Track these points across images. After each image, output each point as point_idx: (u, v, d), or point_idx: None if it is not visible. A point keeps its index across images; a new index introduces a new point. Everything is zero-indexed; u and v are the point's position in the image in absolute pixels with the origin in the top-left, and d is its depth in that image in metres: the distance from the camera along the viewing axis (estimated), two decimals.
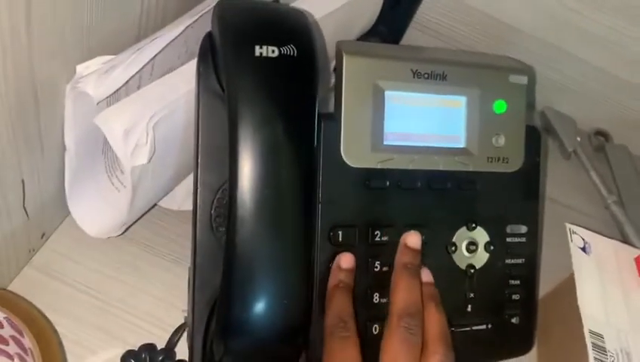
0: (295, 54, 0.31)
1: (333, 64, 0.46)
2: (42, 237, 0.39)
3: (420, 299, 0.33)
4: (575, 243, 0.41)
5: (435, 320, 0.33)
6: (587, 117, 0.63)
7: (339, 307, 0.33)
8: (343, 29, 0.49)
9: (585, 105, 0.63)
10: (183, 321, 0.37)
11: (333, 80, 0.45)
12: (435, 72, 0.37)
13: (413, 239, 0.35)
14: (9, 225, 0.34)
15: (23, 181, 0.33)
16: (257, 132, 0.30)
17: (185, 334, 0.36)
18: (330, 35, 0.45)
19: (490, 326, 0.39)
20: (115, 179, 0.39)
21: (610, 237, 0.44)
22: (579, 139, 0.61)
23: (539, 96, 0.62)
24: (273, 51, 0.31)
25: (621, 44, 0.57)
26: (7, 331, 0.32)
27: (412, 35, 0.60)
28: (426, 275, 0.36)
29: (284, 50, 0.31)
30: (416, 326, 0.32)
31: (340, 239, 0.36)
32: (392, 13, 0.56)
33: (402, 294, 0.33)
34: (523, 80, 0.40)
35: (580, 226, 0.42)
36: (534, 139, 0.40)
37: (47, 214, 0.38)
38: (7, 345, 0.33)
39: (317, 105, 0.32)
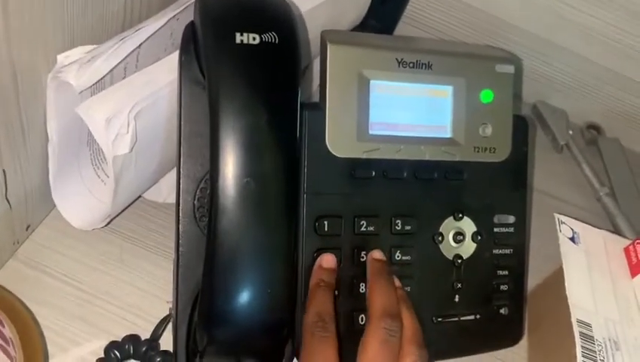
0: (277, 41, 0.31)
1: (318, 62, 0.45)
2: (27, 229, 0.39)
3: (396, 301, 0.33)
4: (564, 233, 0.41)
5: (408, 322, 0.33)
6: (579, 110, 0.63)
7: (319, 306, 0.33)
8: (332, 23, 0.49)
9: (577, 99, 0.63)
10: (167, 313, 0.36)
11: (317, 80, 0.45)
12: (421, 61, 0.37)
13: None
14: None
15: (3, 171, 0.33)
16: (238, 120, 0.30)
17: (170, 325, 0.36)
18: (317, 28, 0.45)
19: (478, 316, 0.39)
20: (101, 170, 0.38)
21: (599, 228, 0.43)
22: (571, 132, 0.61)
23: (531, 89, 0.62)
24: (254, 38, 0.30)
25: (614, 38, 0.57)
26: None
27: (403, 30, 0.60)
28: (396, 280, 0.36)
29: (266, 37, 0.31)
30: (397, 327, 0.32)
31: (326, 229, 0.35)
32: (383, 6, 0.56)
33: (381, 296, 0.33)
34: (510, 69, 0.39)
35: (569, 216, 0.42)
36: (522, 129, 0.40)
37: (32, 206, 0.38)
38: None
39: (299, 93, 0.32)
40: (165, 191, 0.41)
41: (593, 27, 0.57)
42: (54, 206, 0.39)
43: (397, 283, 0.36)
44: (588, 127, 0.63)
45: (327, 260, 0.35)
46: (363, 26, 0.55)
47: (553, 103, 0.63)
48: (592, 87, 0.62)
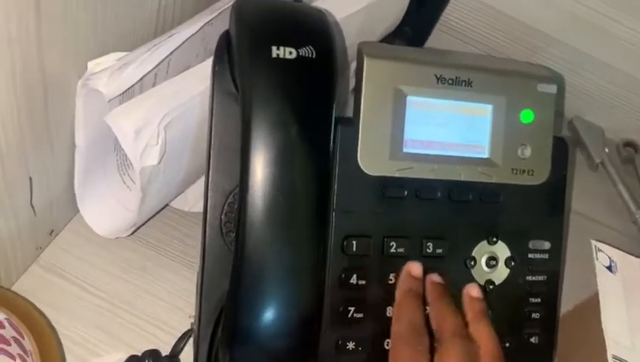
0: (313, 56, 0.30)
1: (354, 65, 0.44)
2: (50, 234, 0.38)
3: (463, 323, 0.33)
4: (600, 261, 0.39)
5: (487, 337, 0.32)
6: (616, 127, 0.61)
7: (412, 315, 0.32)
8: (367, 30, 0.48)
9: (614, 115, 0.61)
10: (189, 327, 0.36)
11: (352, 83, 0.44)
12: (461, 77, 0.36)
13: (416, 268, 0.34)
14: (15, 222, 0.33)
15: (30, 178, 0.33)
16: (271, 135, 0.29)
17: (191, 341, 0.35)
18: (352, 35, 0.44)
19: (507, 344, 0.37)
20: (127, 177, 0.38)
21: (637, 256, 0.42)
22: (607, 150, 0.59)
23: (567, 104, 0.60)
24: (291, 53, 0.29)
25: None
26: (9, 332, 0.31)
27: (437, 37, 0.58)
28: (476, 291, 0.35)
29: (302, 51, 0.30)
30: (471, 348, 0.31)
31: (354, 249, 0.34)
32: (418, 14, 0.54)
33: (450, 317, 0.32)
34: (552, 89, 0.38)
35: (605, 243, 0.41)
36: (562, 151, 0.38)
37: (56, 211, 0.37)
38: (9, 345, 0.32)
39: (334, 109, 0.31)
40: (191, 199, 0.41)
41: (635, 42, 0.55)
42: (78, 211, 0.39)
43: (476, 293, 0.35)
44: (625, 145, 0.61)
45: (416, 268, 0.34)
46: (397, 33, 0.54)
47: (589, 119, 0.61)
48: (630, 103, 0.60)
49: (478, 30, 0.58)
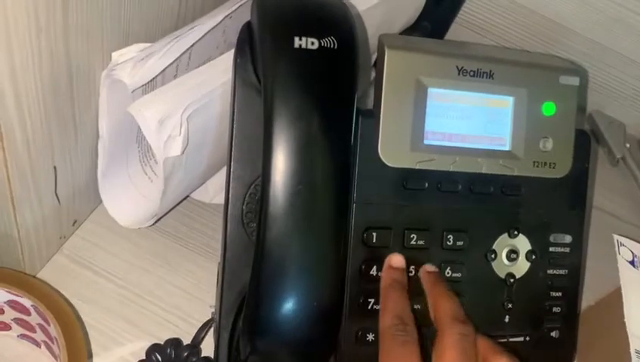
0: (335, 47, 0.30)
1: (374, 58, 0.44)
2: (74, 225, 0.39)
3: (461, 307, 0.32)
4: (623, 255, 0.39)
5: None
6: (638, 122, 0.60)
7: (397, 307, 0.31)
8: (386, 23, 0.48)
9: (636, 110, 0.60)
10: (210, 317, 0.36)
11: (373, 75, 0.44)
12: (482, 69, 0.36)
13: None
14: (40, 210, 0.34)
15: (55, 168, 0.33)
16: (293, 126, 0.29)
17: (211, 330, 0.36)
18: (372, 28, 0.44)
19: (528, 338, 0.37)
20: (149, 168, 0.38)
21: None
22: (628, 145, 0.58)
23: (588, 98, 0.59)
24: (313, 43, 0.29)
25: None
26: (35, 318, 0.32)
27: (456, 31, 0.58)
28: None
29: (325, 42, 0.30)
30: (471, 332, 0.31)
31: (374, 241, 0.34)
32: (437, 8, 0.54)
33: (446, 303, 0.32)
34: (575, 81, 0.37)
35: (628, 238, 0.40)
36: (584, 144, 0.38)
37: (79, 201, 0.38)
38: (35, 332, 0.33)
39: (355, 100, 0.31)
40: (212, 191, 0.41)
41: None
42: (101, 201, 0.39)
43: None
44: None
45: (397, 260, 0.34)
46: (416, 27, 0.54)
47: (610, 114, 0.60)
48: None
49: (497, 24, 0.58)
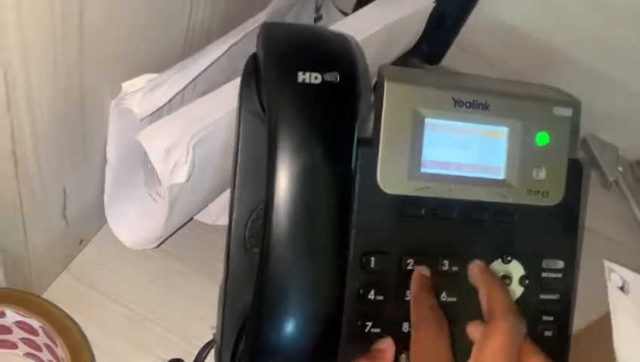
0: (338, 81, 0.31)
1: (373, 81, 0.46)
2: (80, 244, 0.40)
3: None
4: (613, 281, 0.40)
5: None
6: (631, 146, 0.62)
7: (431, 302, 0.33)
8: (385, 49, 0.49)
9: (629, 134, 0.61)
10: (211, 338, 0.37)
11: (372, 98, 0.45)
12: (478, 101, 0.37)
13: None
14: (49, 232, 0.35)
15: (64, 190, 0.34)
16: (296, 157, 0.30)
17: (213, 351, 0.37)
18: (371, 54, 0.45)
19: None
20: (153, 190, 0.39)
21: None
22: (621, 168, 0.60)
23: (581, 122, 0.60)
24: (316, 78, 0.31)
25: None
26: (42, 339, 0.32)
27: (454, 56, 0.59)
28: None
29: (327, 76, 0.31)
30: (523, 327, 0.32)
31: (372, 265, 0.35)
32: (435, 33, 0.55)
33: (501, 294, 0.34)
34: (568, 112, 0.39)
35: (618, 264, 0.41)
36: (576, 173, 0.39)
37: (86, 222, 0.39)
38: (41, 351, 0.34)
39: (356, 130, 0.32)
40: (215, 212, 0.42)
41: None
42: (106, 221, 0.40)
43: None
44: (639, 164, 0.62)
45: (424, 269, 0.35)
46: (415, 52, 0.55)
47: (603, 137, 0.62)
48: None
49: (494, 49, 0.59)
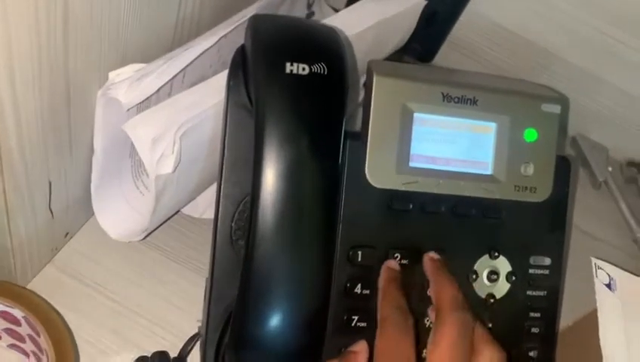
0: (325, 72, 0.31)
1: (363, 79, 0.46)
2: (66, 236, 0.39)
3: (462, 294, 0.34)
4: (600, 278, 0.40)
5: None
6: (620, 146, 0.62)
7: (396, 299, 0.33)
8: (377, 46, 0.49)
9: (618, 135, 0.62)
10: (197, 331, 0.37)
11: (362, 95, 0.45)
12: (466, 96, 0.37)
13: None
14: (34, 223, 0.35)
15: (50, 182, 0.34)
16: (283, 149, 0.30)
17: (198, 344, 0.36)
18: (362, 51, 0.45)
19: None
20: (140, 182, 0.39)
21: (637, 274, 0.42)
22: (610, 169, 0.60)
23: (572, 122, 0.61)
24: (304, 69, 0.31)
25: None
26: (25, 329, 0.32)
27: (446, 54, 0.59)
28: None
29: (315, 68, 0.31)
30: (470, 320, 0.32)
31: (359, 259, 0.35)
32: (427, 31, 0.56)
33: (448, 288, 0.34)
34: (556, 109, 0.39)
35: (605, 261, 0.41)
36: (564, 170, 0.39)
37: (72, 214, 0.38)
38: (24, 342, 0.33)
39: (344, 123, 0.32)
40: (202, 206, 0.42)
41: (638, 62, 0.56)
42: (93, 214, 0.40)
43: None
44: (628, 164, 0.62)
45: (393, 263, 0.35)
46: (406, 50, 0.55)
47: (593, 138, 0.62)
48: (634, 123, 0.61)
49: (485, 48, 0.59)
